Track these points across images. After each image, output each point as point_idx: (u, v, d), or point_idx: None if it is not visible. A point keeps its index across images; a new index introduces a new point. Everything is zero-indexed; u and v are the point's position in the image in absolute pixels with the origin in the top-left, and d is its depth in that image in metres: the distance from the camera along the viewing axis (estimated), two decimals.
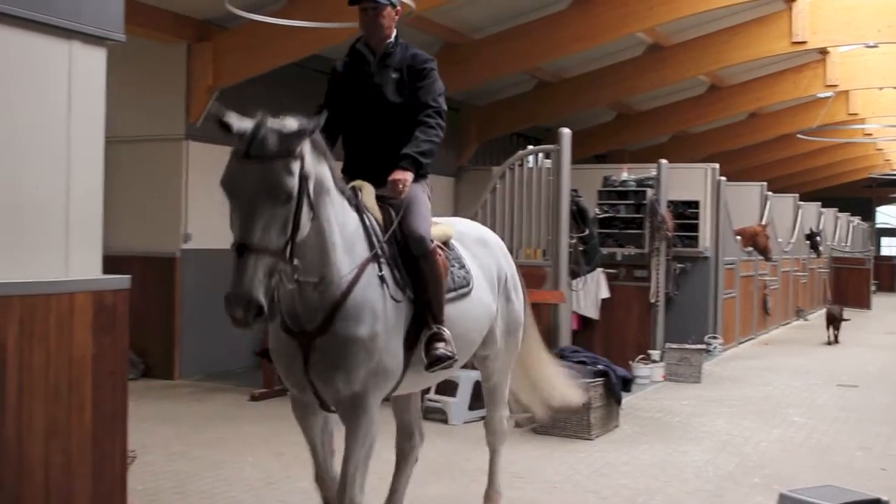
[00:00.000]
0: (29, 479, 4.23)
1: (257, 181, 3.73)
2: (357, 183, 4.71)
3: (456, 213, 15.63)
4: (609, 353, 10.88)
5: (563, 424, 8.50)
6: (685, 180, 14.71)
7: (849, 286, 26.88)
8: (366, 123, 5.02)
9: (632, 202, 13.80)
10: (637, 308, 13.12)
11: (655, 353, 12.38)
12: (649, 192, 13.49)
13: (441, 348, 4.63)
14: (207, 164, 10.30)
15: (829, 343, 17.15)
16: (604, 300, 12.74)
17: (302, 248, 3.97)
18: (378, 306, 4.36)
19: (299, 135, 3.84)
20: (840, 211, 29.53)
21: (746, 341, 16.91)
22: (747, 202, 18.82)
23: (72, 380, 4.44)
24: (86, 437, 4.52)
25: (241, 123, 3.82)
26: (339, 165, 4.59)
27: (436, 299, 4.70)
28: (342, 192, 4.39)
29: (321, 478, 4.73)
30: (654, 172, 13.58)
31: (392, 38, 5.09)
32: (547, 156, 10.12)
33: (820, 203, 26.24)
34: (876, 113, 22.40)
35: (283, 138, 3.79)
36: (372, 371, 4.34)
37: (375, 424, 4.43)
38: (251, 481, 6.84)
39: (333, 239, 4.22)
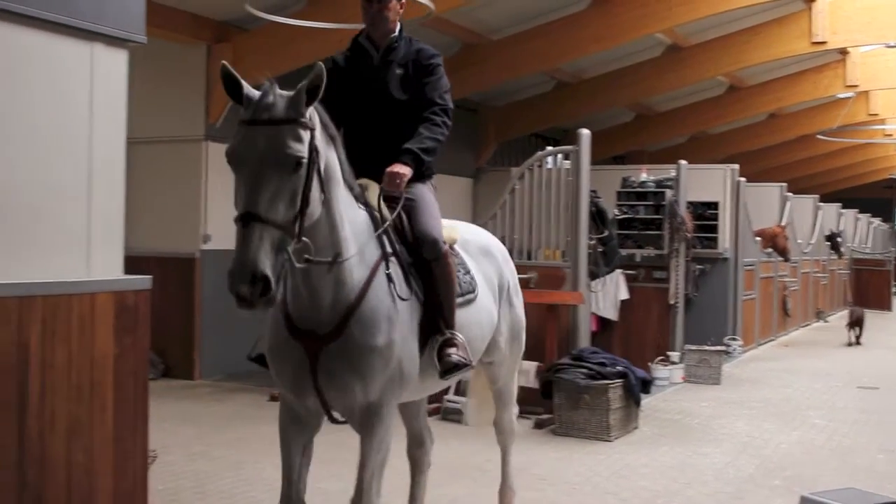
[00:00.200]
0: (51, 477, 4.25)
1: (264, 147, 3.53)
2: (362, 181, 4.48)
3: (475, 215, 15.66)
4: (628, 354, 10.86)
5: (583, 426, 8.50)
6: (704, 181, 14.66)
7: (869, 288, 26.74)
8: (368, 120, 4.82)
9: (651, 203, 13.76)
10: (656, 309, 13.09)
11: (675, 355, 12.35)
12: (668, 193, 13.45)
13: (455, 354, 4.46)
14: (227, 164, 10.31)
15: (850, 344, 17.07)
16: (623, 301, 12.71)
17: (313, 235, 3.74)
18: (393, 312, 4.16)
19: (309, 91, 3.62)
20: (860, 212, 29.37)
21: (766, 343, 16.84)
22: (767, 203, 18.75)
23: (93, 379, 4.46)
24: (107, 436, 4.53)
25: (250, 89, 3.69)
26: None
27: (447, 303, 4.54)
28: (351, 188, 4.18)
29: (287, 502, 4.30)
30: (673, 173, 13.54)
31: (396, 32, 4.90)
32: (566, 157, 10.10)
33: (840, 204, 26.09)
34: None
35: (291, 100, 3.61)
36: (389, 379, 4.15)
37: (391, 431, 4.26)
38: (271, 481, 6.84)
39: (345, 234, 4.00)
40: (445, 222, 4.97)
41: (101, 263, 4.54)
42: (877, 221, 32.55)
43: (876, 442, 8.83)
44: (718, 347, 12.74)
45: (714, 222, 14.78)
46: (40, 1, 4.22)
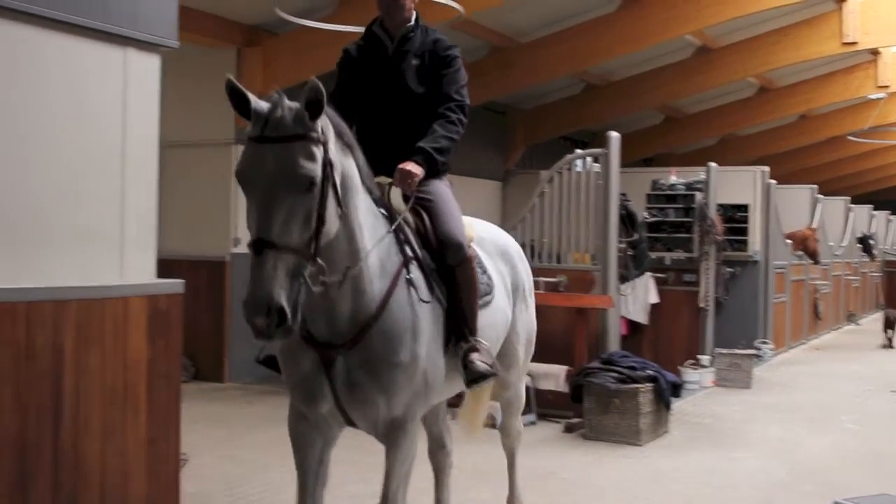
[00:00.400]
0: (85, 480, 4.28)
1: (274, 166, 3.33)
2: (381, 180, 4.33)
3: (503, 218, 15.63)
4: (658, 358, 10.81)
5: (613, 430, 8.47)
6: (734, 183, 14.60)
7: None
8: (381, 112, 4.61)
9: (680, 206, 13.70)
10: (686, 313, 13.03)
11: (705, 359, 12.29)
12: (698, 195, 13.39)
13: (480, 361, 4.30)
14: None
15: (885, 347, 16.93)
16: (653, 305, 12.66)
17: (331, 252, 3.61)
18: (417, 322, 4.00)
19: (307, 106, 3.41)
20: (892, 213, 29.11)
21: (797, 346, 16.72)
22: (797, 205, 18.63)
23: (127, 383, 4.49)
24: (140, 438, 4.56)
25: (258, 102, 3.48)
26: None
27: (470, 309, 4.37)
28: (370, 192, 4.00)
29: None
30: (702, 176, 13.49)
31: (412, 22, 4.67)
32: (595, 160, 10.07)
33: (871, 206, 25.88)
34: None
35: (299, 114, 3.41)
36: (414, 393, 4.02)
37: (416, 442, 4.15)
38: None
39: (364, 244, 3.83)
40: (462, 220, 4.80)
41: (135, 268, 4.57)
42: None
43: None
44: (749, 351, 12.66)
45: (744, 225, 14.71)
46: (74, 6, 4.26)
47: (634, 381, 8.59)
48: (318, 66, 11.19)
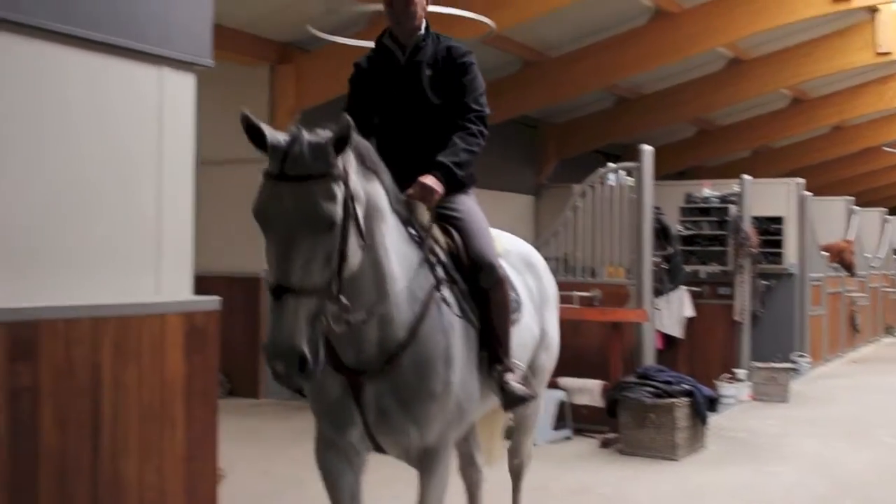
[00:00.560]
0: (123, 497, 4.29)
1: (293, 207, 3.20)
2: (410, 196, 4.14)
3: (536, 232, 15.61)
4: (694, 372, 10.73)
5: (649, 445, 8.42)
6: (768, 196, 14.50)
7: None
8: (398, 126, 4.44)
9: (715, 219, 13.64)
10: (721, 326, 12.94)
11: (741, 372, 12.20)
12: (732, 208, 13.32)
13: (515, 383, 4.19)
14: None
15: None
16: (688, 318, 12.59)
17: (356, 282, 3.49)
18: (450, 349, 3.86)
19: (335, 144, 3.28)
20: None
21: (835, 359, 16.56)
22: (832, 217, 18.48)
23: (164, 399, 4.51)
24: (178, 455, 4.58)
25: (275, 136, 3.33)
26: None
27: (504, 330, 4.24)
28: (398, 214, 3.86)
29: None
30: (736, 188, 13.42)
31: (423, 30, 4.46)
32: (628, 173, 10.04)
33: None
34: None
35: (320, 152, 3.26)
36: (447, 422, 3.91)
37: (450, 467, 4.06)
38: None
39: (391, 269, 3.69)
40: None
41: (171, 285, 4.59)
42: None
43: None
44: (786, 364, 12.56)
45: (779, 237, 14.61)
46: (110, 26, 4.30)
47: (670, 395, 8.54)
48: None
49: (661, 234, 11.10)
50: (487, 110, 4.49)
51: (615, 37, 13.80)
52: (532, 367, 4.92)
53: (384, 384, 3.75)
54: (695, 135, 20.86)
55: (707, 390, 9.09)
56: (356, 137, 3.47)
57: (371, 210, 3.57)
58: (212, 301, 4.76)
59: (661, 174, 13.10)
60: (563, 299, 6.46)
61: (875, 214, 22.18)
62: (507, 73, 14.48)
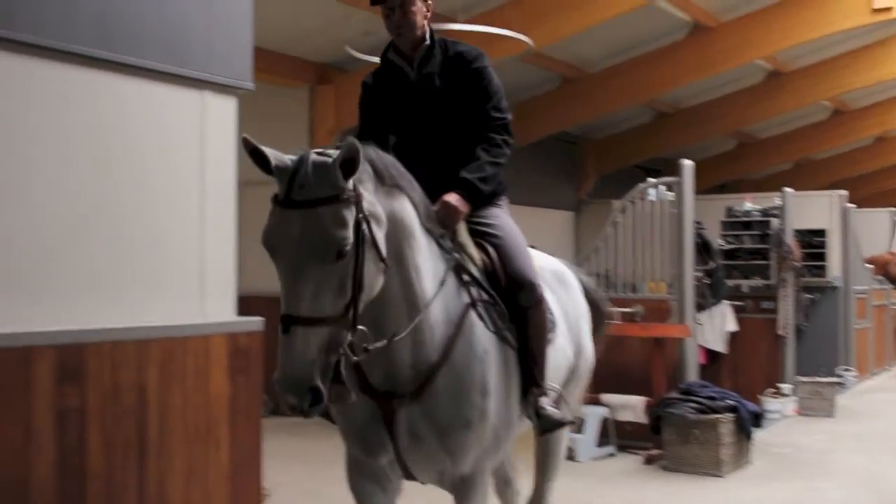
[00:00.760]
0: None
1: (300, 234, 3.02)
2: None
3: (577, 248, 15.58)
4: (737, 387, 10.64)
5: (694, 461, 8.36)
6: (810, 208, 14.39)
7: None
8: (415, 144, 4.13)
9: (756, 232, 13.55)
10: (765, 341, 12.81)
11: (786, 387, 12.07)
12: (774, 221, 13.22)
13: (550, 407, 3.98)
14: None
15: None
16: (731, 333, 12.49)
17: (385, 305, 3.35)
18: (486, 375, 3.65)
19: (342, 166, 3.07)
20: None
21: (881, 373, 16.35)
22: (876, 229, 18.28)
23: (209, 420, 4.55)
24: (223, 475, 4.61)
25: (280, 159, 3.17)
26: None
27: (540, 352, 4.00)
28: (430, 232, 3.66)
29: None
30: (778, 201, 13.31)
31: (427, 39, 4.13)
32: (668, 188, 10.00)
33: None
34: None
35: (326, 174, 3.06)
36: (483, 450, 3.70)
37: (487, 493, 3.86)
38: None
39: (423, 290, 3.51)
40: None
41: (215, 306, 4.64)
42: None
43: None
44: (831, 379, 12.42)
45: (822, 250, 14.48)
46: (153, 52, 4.37)
47: (714, 411, 8.48)
48: None
49: (703, 248, 11.03)
50: (509, 116, 4.18)
51: (653, 52, 13.80)
52: (566, 389, 4.67)
53: (416, 409, 3.56)
54: (735, 148, 20.75)
55: (751, 405, 9.02)
56: (373, 154, 3.37)
57: (397, 229, 3.39)
58: (255, 322, 4.81)
59: (702, 188, 13.08)
60: None
61: None
62: (546, 90, 14.52)
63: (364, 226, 3.11)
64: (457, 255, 3.80)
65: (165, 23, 4.47)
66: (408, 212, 3.49)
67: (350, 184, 3.10)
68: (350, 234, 3.04)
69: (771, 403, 11.40)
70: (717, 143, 19.82)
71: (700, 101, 16.78)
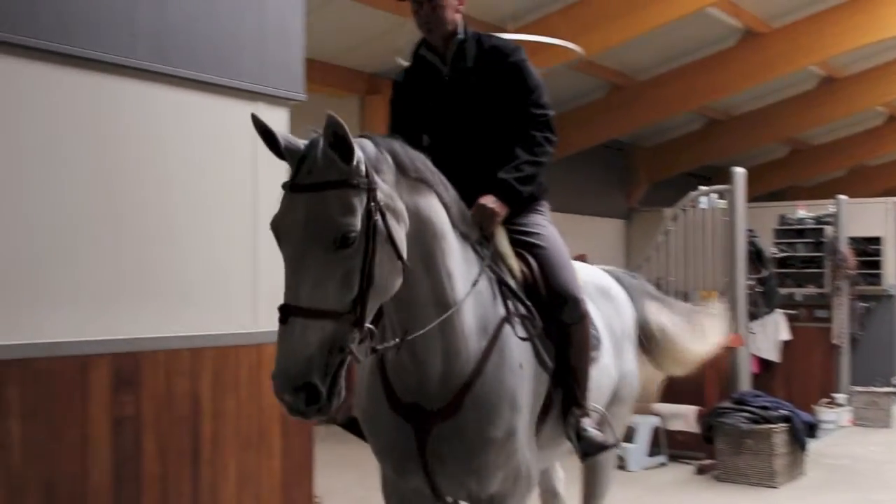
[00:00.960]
0: None
1: (304, 219, 2.81)
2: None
3: (628, 256, 15.52)
4: (791, 396, 10.52)
5: (746, 472, 8.28)
6: (865, 215, 14.18)
7: None
8: (451, 145, 3.85)
9: (810, 240, 13.39)
10: (819, 350, 12.65)
11: (841, 397, 11.92)
12: (828, 229, 13.07)
13: (592, 430, 3.72)
14: None
15: None
16: (784, 342, 12.36)
17: (411, 311, 3.17)
18: (518, 391, 3.40)
19: (338, 146, 2.83)
20: None
21: None
22: None
23: (261, 428, 4.59)
24: (275, 483, 4.66)
25: (291, 142, 2.97)
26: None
27: (583, 371, 3.74)
28: (465, 237, 3.42)
29: None
30: (832, 209, 13.16)
31: (461, 33, 3.87)
32: (720, 196, 9.93)
33: None
34: None
35: (331, 159, 2.84)
36: (512, 472, 3.44)
37: None
38: None
39: (456, 297, 3.27)
40: None
41: (268, 314, 4.67)
42: None
43: None
44: (888, 388, 12.24)
45: (877, 258, 14.28)
46: (207, 65, 4.44)
47: (768, 420, 8.39)
48: None
49: (756, 256, 10.93)
50: (551, 112, 3.86)
51: (704, 59, 13.73)
52: (609, 412, 4.28)
53: (445, 426, 3.32)
54: (787, 155, 20.55)
55: (806, 415, 8.91)
56: (397, 146, 3.15)
57: (424, 229, 3.16)
58: None
59: (754, 195, 12.98)
60: None
61: None
62: (595, 98, 14.48)
63: (377, 217, 2.88)
64: (495, 267, 3.57)
65: (220, 38, 4.55)
66: (436, 211, 3.24)
67: (363, 170, 2.88)
68: (357, 222, 2.81)
69: (825, 413, 11.26)
70: (769, 149, 19.64)
71: (752, 107, 16.64)
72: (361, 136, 3.06)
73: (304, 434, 4.85)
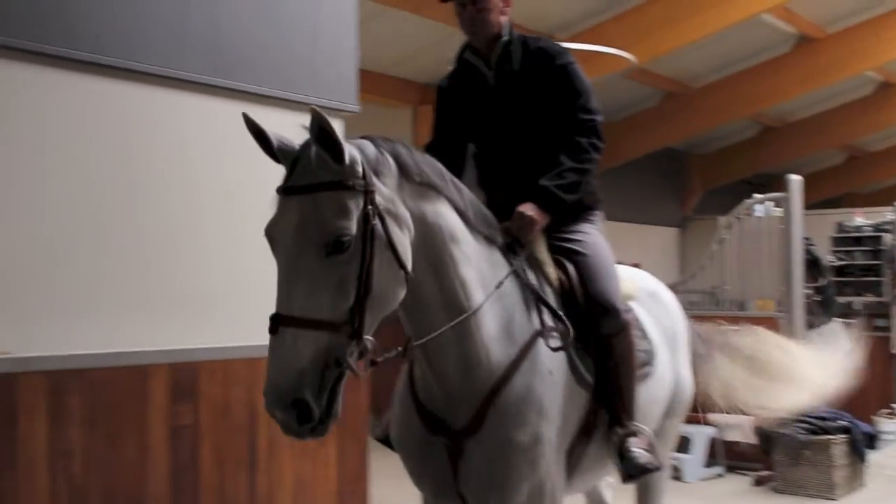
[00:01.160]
0: None
1: (297, 223, 2.66)
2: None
3: (683, 265, 15.41)
4: (850, 407, 10.34)
5: (805, 484, 8.17)
6: None
7: None
8: (497, 152, 3.75)
9: (868, 248, 13.23)
10: (878, 359, 12.42)
11: None
12: (887, 237, 12.89)
13: (638, 450, 3.45)
14: None
15: None
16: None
17: (422, 318, 3.02)
18: (546, 397, 3.18)
19: (325, 144, 2.69)
20: None
21: None
22: None
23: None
24: (330, 493, 4.68)
25: (284, 142, 2.81)
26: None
27: (627, 387, 3.52)
28: (491, 241, 3.27)
29: None
30: (890, 216, 12.97)
31: (506, 35, 3.69)
32: (776, 203, 9.83)
33: None
34: None
35: (323, 159, 2.69)
36: (537, 488, 3.19)
37: None
38: None
39: (469, 304, 3.08)
40: None
41: None
42: None
43: None
44: None
45: None
46: (262, 78, 4.49)
47: (826, 431, 8.28)
48: None
49: (812, 265, 10.80)
50: (599, 117, 3.68)
51: (758, 65, 13.63)
52: (665, 427, 4.15)
53: (473, 443, 3.14)
54: (844, 161, 20.31)
55: (865, 426, 8.78)
56: (401, 149, 3.01)
57: (432, 235, 2.99)
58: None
59: (810, 203, 12.85)
60: None
61: None
62: (649, 106, 14.42)
63: (375, 221, 2.72)
64: (529, 273, 3.40)
65: (274, 49, 4.59)
66: (445, 217, 3.06)
67: (359, 171, 2.73)
68: (352, 225, 2.66)
69: (885, 424, 11.06)
70: (825, 156, 19.42)
71: (808, 114, 16.48)
72: (363, 138, 2.96)
73: (359, 444, 4.87)
